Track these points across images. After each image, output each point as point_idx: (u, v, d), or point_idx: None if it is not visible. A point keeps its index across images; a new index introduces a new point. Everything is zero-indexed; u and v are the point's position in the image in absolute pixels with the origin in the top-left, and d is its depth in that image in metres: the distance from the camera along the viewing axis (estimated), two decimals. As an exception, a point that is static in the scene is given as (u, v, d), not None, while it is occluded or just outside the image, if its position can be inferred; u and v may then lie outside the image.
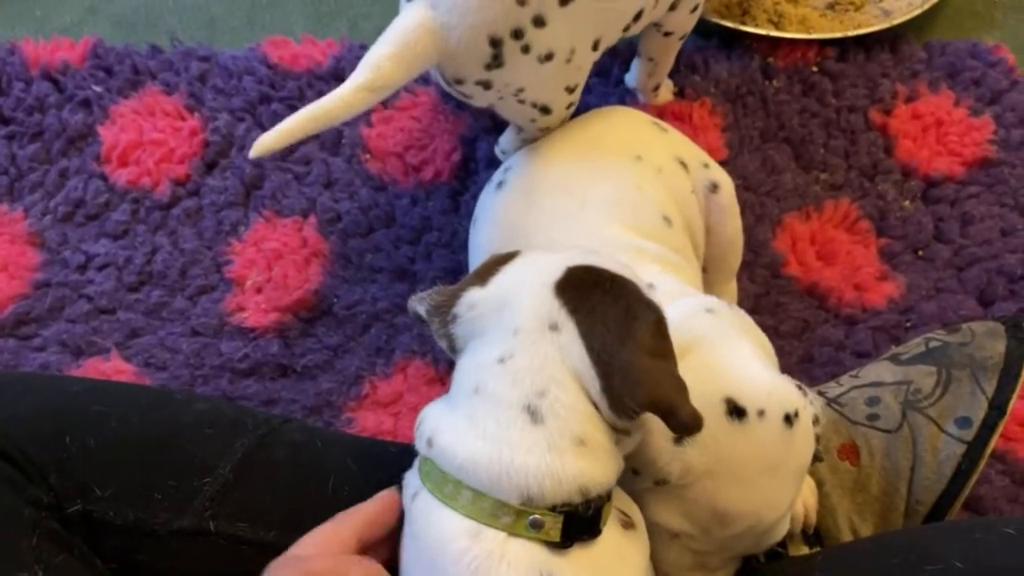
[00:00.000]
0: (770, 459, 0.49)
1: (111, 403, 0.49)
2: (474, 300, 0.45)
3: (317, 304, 0.81)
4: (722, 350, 0.51)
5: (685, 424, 0.41)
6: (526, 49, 0.61)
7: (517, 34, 0.60)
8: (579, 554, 0.42)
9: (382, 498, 0.47)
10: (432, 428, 0.44)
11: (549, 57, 0.62)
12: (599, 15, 0.64)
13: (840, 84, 0.91)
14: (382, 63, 0.59)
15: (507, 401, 0.42)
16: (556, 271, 0.45)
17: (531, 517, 0.40)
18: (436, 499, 0.42)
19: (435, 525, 0.42)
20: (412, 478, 0.45)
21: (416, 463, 0.46)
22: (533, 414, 0.42)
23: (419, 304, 0.48)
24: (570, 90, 0.67)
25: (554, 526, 0.41)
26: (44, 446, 0.46)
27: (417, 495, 0.44)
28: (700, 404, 0.42)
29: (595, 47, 0.66)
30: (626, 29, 0.69)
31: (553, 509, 0.41)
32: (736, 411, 0.48)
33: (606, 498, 0.43)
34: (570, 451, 0.41)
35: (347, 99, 0.59)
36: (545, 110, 0.67)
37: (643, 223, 0.62)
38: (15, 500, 0.43)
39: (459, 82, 0.64)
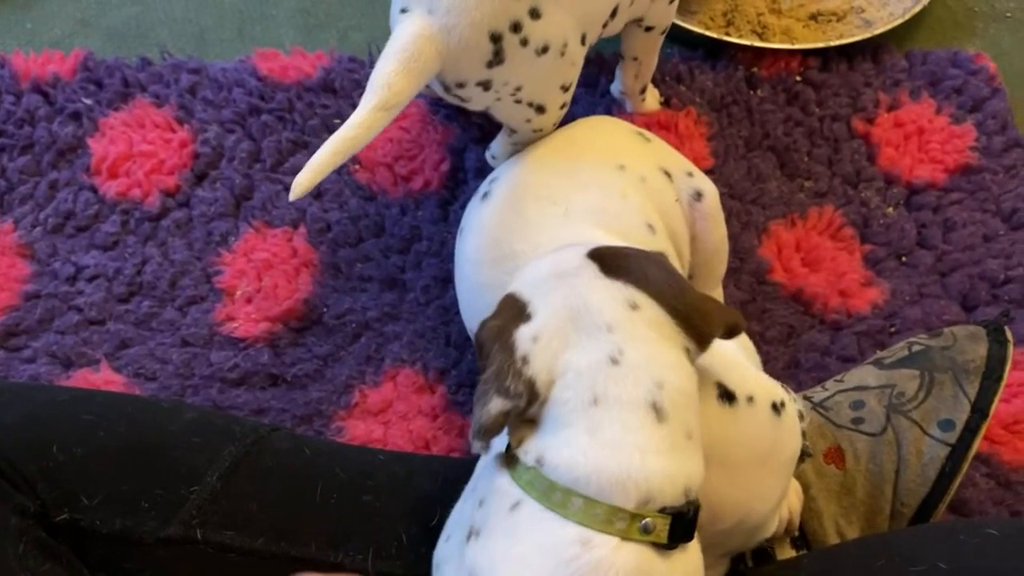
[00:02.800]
0: (759, 447, 0.50)
1: (99, 412, 0.49)
2: (533, 332, 0.44)
3: (307, 314, 0.82)
4: None
5: (740, 328, 0.46)
6: (524, 42, 0.62)
7: (515, 27, 0.61)
8: (678, 556, 0.42)
9: None
10: (539, 447, 0.42)
11: (545, 50, 0.63)
12: (583, 6, 0.65)
13: (823, 93, 0.93)
14: (392, 80, 0.60)
15: (633, 402, 0.42)
16: (584, 263, 0.46)
17: (644, 521, 0.40)
18: (544, 507, 0.41)
19: (545, 532, 0.41)
20: (505, 488, 0.43)
21: (496, 473, 0.44)
22: (658, 411, 0.42)
23: (488, 402, 0.43)
24: (564, 88, 0.69)
25: (663, 528, 0.41)
26: (31, 455, 0.46)
27: (519, 505, 0.42)
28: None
29: (583, 41, 0.67)
30: (605, 25, 0.71)
31: (662, 511, 0.41)
32: (727, 395, 0.50)
33: (698, 502, 0.43)
34: (683, 447, 0.43)
35: (366, 123, 0.60)
36: (540, 109, 0.68)
37: (627, 230, 0.63)
38: (1, 509, 0.44)
39: (460, 85, 0.65)
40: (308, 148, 0.90)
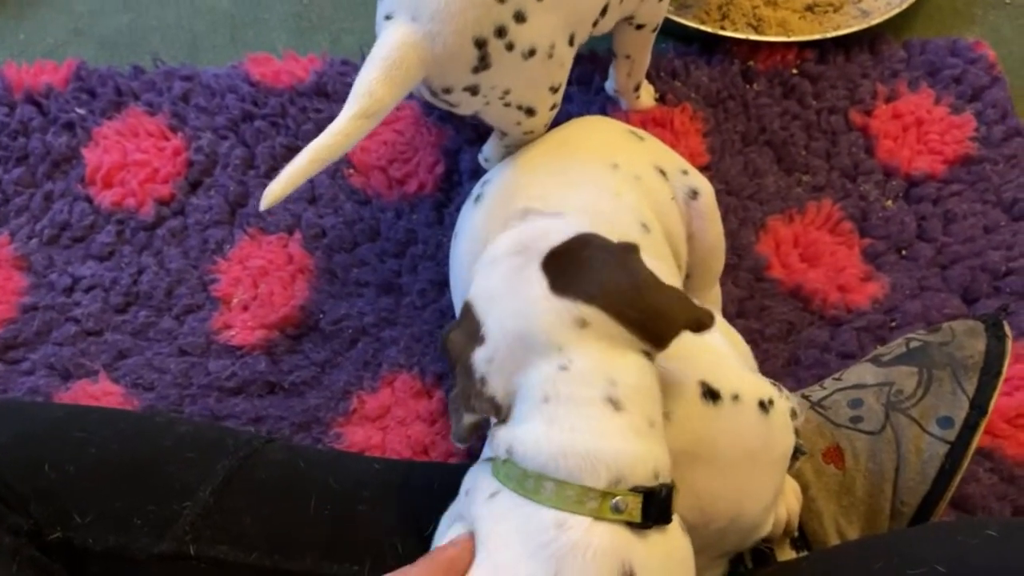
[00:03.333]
0: (747, 445, 0.50)
1: (91, 429, 0.49)
2: (487, 355, 0.46)
3: (303, 320, 0.81)
4: (694, 338, 0.52)
5: (706, 325, 0.47)
6: (510, 47, 0.61)
7: (500, 32, 0.60)
8: (656, 539, 0.43)
9: (460, 543, 0.45)
10: (507, 439, 0.45)
11: (532, 53, 0.63)
12: (570, 6, 0.65)
13: (820, 86, 0.92)
14: (373, 88, 0.59)
15: (586, 398, 0.44)
16: (534, 277, 0.46)
17: (615, 500, 0.42)
18: (518, 495, 0.43)
19: (521, 518, 0.42)
20: (485, 481, 0.45)
21: (480, 469, 0.47)
22: (615, 403, 0.44)
23: (460, 417, 0.48)
24: (553, 90, 0.68)
25: (635, 507, 0.42)
26: (23, 474, 0.46)
27: (496, 495, 0.44)
28: (675, 385, 0.47)
29: (571, 42, 0.67)
30: (595, 24, 0.70)
31: (633, 491, 0.42)
32: (710, 394, 0.50)
33: (672, 484, 0.44)
34: (646, 433, 0.44)
35: (346, 130, 0.59)
36: (530, 112, 0.68)
37: (621, 230, 0.62)
38: (-5, 529, 0.44)
39: (447, 91, 0.64)
40: (302, 153, 0.89)
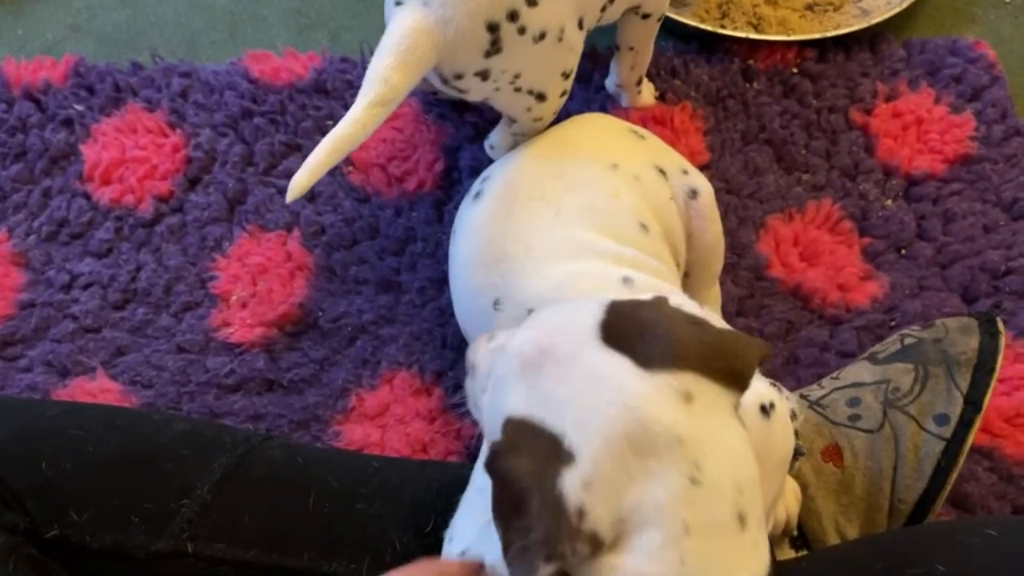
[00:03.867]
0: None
1: (88, 426, 0.49)
2: (583, 477, 0.36)
3: (302, 318, 0.81)
4: None
5: (769, 356, 0.43)
6: (522, 30, 0.62)
7: (512, 16, 0.61)
8: None
9: (467, 565, 0.42)
10: None
11: (543, 36, 0.63)
12: None
13: (820, 85, 0.92)
14: (388, 75, 0.59)
15: (722, 523, 0.36)
16: (609, 360, 0.38)
17: None
18: None
19: None
20: None
21: None
22: (742, 519, 0.37)
23: (545, 563, 0.35)
24: (565, 75, 0.68)
25: None
26: (20, 471, 0.46)
27: None
28: None
29: (580, 26, 0.67)
30: (603, 9, 0.70)
31: None
32: None
33: None
34: (762, 543, 0.38)
35: (362, 119, 0.59)
36: (541, 97, 0.68)
37: (619, 230, 0.62)
38: (-8, 527, 0.44)
39: (458, 76, 0.64)
40: (301, 151, 0.89)
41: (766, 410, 0.50)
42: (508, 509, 0.36)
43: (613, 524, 0.36)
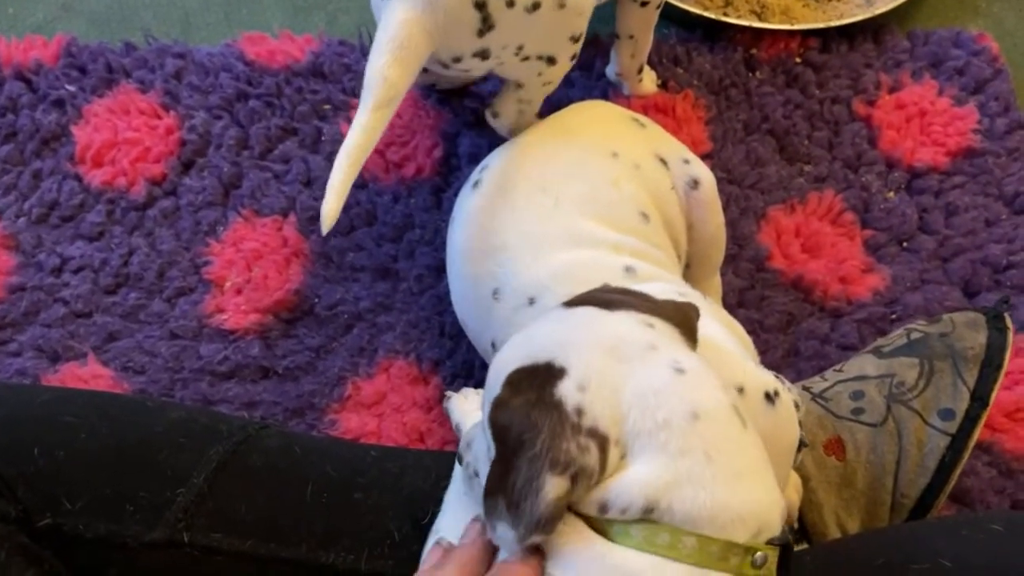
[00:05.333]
0: None
1: (81, 413, 0.48)
2: (577, 382, 0.38)
3: (298, 304, 0.80)
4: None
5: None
6: (511, 3, 0.61)
7: None
8: None
9: (475, 541, 0.41)
10: (646, 493, 0.37)
11: (536, 6, 0.62)
12: None
13: (823, 75, 0.91)
14: (386, 73, 0.59)
15: (724, 409, 0.39)
16: (574, 311, 0.42)
17: (757, 554, 0.37)
18: (646, 553, 0.36)
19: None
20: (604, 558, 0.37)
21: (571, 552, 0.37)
22: (740, 415, 0.40)
23: (551, 475, 0.36)
24: (574, 39, 0.67)
25: (773, 562, 0.37)
26: (11, 459, 0.45)
27: (614, 562, 0.36)
28: None
29: None
30: None
31: (770, 543, 0.38)
32: None
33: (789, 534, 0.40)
34: (768, 464, 0.40)
35: (371, 124, 0.58)
36: (551, 60, 0.67)
37: (619, 220, 0.62)
38: (-18, 515, 0.43)
39: (457, 60, 0.64)
40: (297, 135, 0.88)
41: (771, 398, 0.49)
42: (511, 456, 0.36)
43: (614, 419, 0.37)
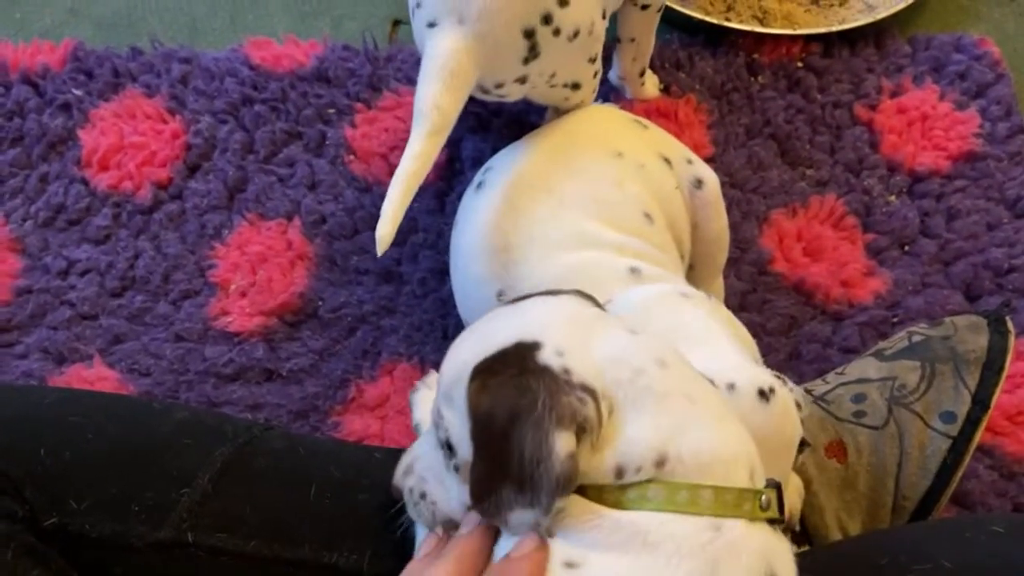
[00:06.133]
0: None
1: (87, 414, 0.49)
2: (555, 348, 0.39)
3: (302, 307, 0.81)
4: (692, 329, 0.51)
5: None
6: (557, 32, 0.62)
7: (547, 19, 0.61)
8: (782, 536, 0.39)
9: (474, 532, 0.40)
10: (658, 447, 0.37)
11: (576, 34, 0.64)
12: None
13: (825, 80, 0.91)
14: (439, 101, 0.59)
15: (705, 387, 0.40)
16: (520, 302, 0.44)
17: (763, 496, 0.38)
18: (667, 513, 0.37)
19: (672, 533, 0.37)
20: (616, 522, 0.37)
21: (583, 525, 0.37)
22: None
23: (560, 431, 0.37)
24: (592, 60, 0.69)
25: (774, 502, 0.38)
26: (18, 459, 0.45)
27: (626, 523, 0.37)
28: None
29: (604, 15, 0.68)
30: None
31: (767, 485, 0.39)
32: None
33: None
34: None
35: (425, 151, 0.59)
36: (576, 87, 0.69)
37: (623, 220, 0.62)
38: (-11, 515, 0.43)
39: (499, 86, 0.65)
40: (302, 139, 0.88)
41: (765, 394, 0.49)
42: (507, 433, 0.36)
43: (595, 374, 0.38)
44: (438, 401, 0.41)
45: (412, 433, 0.75)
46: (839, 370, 0.69)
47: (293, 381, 0.77)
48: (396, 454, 0.59)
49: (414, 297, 0.81)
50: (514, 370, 0.38)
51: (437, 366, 0.77)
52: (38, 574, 0.43)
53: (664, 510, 0.37)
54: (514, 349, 0.39)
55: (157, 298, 0.81)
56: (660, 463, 0.37)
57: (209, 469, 0.49)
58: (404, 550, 0.51)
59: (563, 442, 0.36)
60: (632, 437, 0.37)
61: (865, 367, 0.67)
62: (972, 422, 0.61)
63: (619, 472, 0.37)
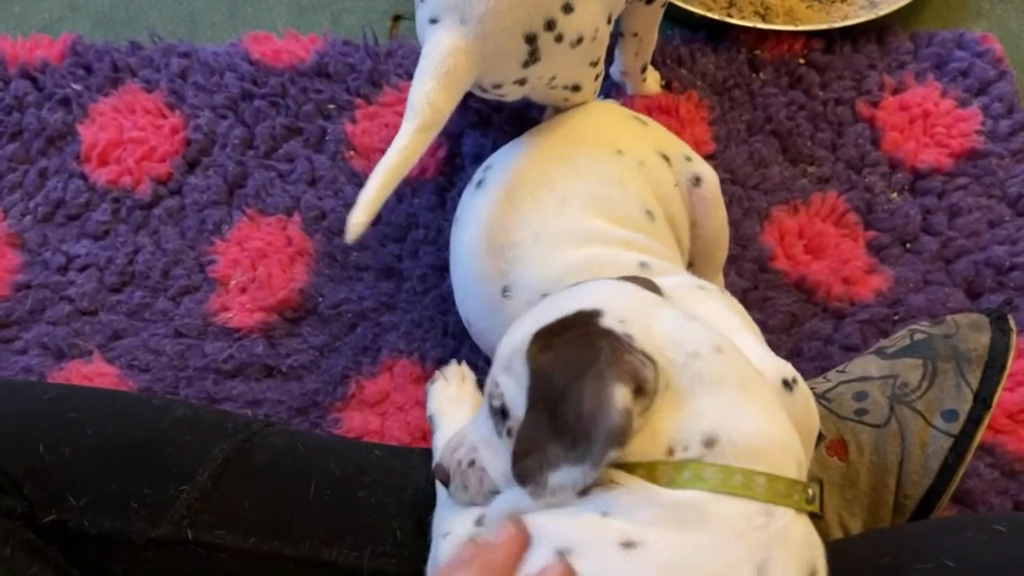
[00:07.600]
0: None
1: (86, 410, 0.48)
2: (618, 316, 0.40)
3: (302, 303, 0.80)
4: (714, 320, 0.51)
5: None
6: (559, 39, 0.62)
7: (550, 25, 0.61)
8: (815, 531, 0.40)
9: (505, 543, 0.40)
10: (703, 427, 0.39)
11: (580, 41, 0.63)
12: None
13: (827, 76, 0.91)
14: (432, 98, 0.59)
15: (756, 378, 0.41)
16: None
17: (809, 490, 0.39)
18: (721, 495, 0.38)
19: (727, 513, 0.38)
20: (668, 502, 0.38)
21: (621, 497, 0.38)
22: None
23: (619, 384, 0.38)
24: (593, 64, 0.68)
25: (817, 496, 0.40)
26: (17, 455, 0.45)
27: (683, 501, 0.38)
28: None
29: (609, 20, 0.67)
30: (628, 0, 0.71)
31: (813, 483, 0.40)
32: None
33: None
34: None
35: (411, 145, 0.59)
36: (576, 88, 0.69)
37: (625, 217, 0.62)
38: (-12, 511, 0.43)
39: (497, 87, 0.65)
40: (302, 134, 0.88)
41: (788, 384, 0.49)
42: (567, 388, 0.38)
43: (655, 348, 0.39)
44: (493, 373, 0.43)
45: (412, 430, 0.75)
46: (840, 368, 0.69)
47: (293, 377, 0.77)
48: (395, 452, 0.59)
49: (414, 293, 0.81)
50: (579, 331, 0.39)
51: (437, 362, 0.77)
52: (37, 571, 0.43)
53: (718, 491, 0.38)
54: (576, 315, 0.41)
55: (156, 294, 0.81)
56: (710, 443, 0.38)
57: (209, 466, 0.49)
58: (403, 548, 0.51)
59: (621, 394, 0.37)
60: (685, 415, 0.39)
61: (867, 365, 0.66)
62: (974, 420, 0.61)
63: (671, 449, 0.39)
